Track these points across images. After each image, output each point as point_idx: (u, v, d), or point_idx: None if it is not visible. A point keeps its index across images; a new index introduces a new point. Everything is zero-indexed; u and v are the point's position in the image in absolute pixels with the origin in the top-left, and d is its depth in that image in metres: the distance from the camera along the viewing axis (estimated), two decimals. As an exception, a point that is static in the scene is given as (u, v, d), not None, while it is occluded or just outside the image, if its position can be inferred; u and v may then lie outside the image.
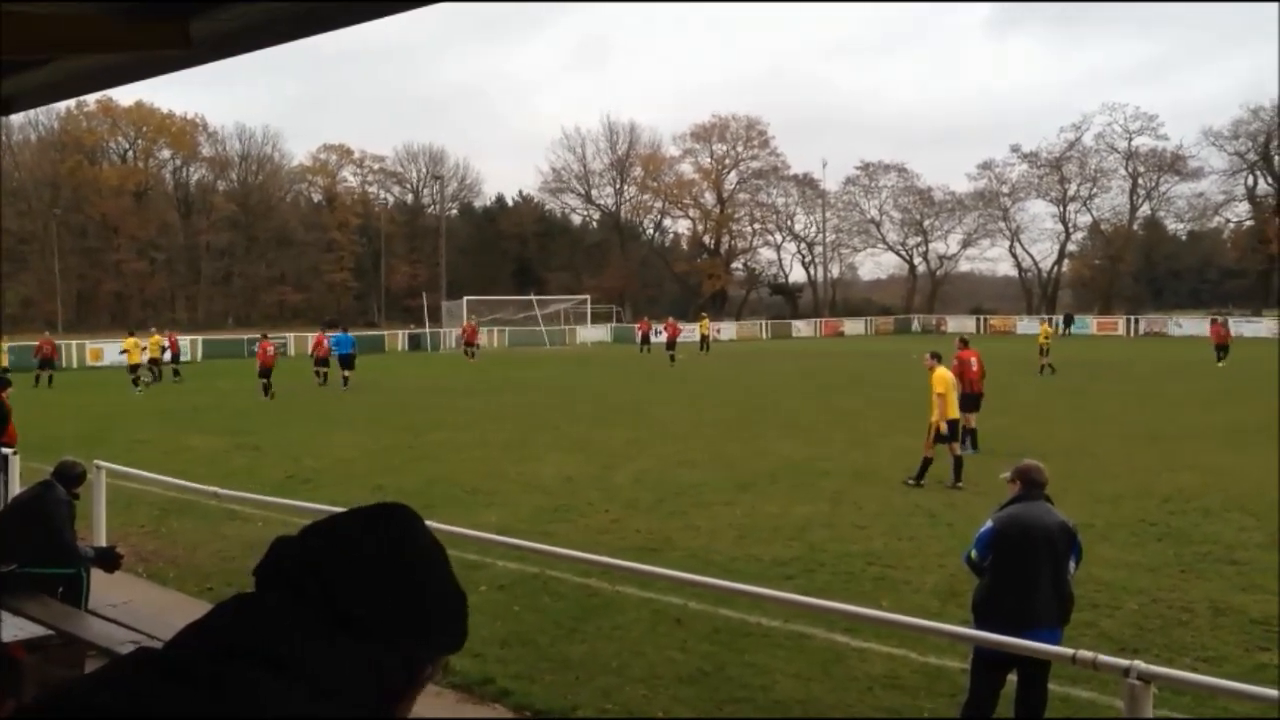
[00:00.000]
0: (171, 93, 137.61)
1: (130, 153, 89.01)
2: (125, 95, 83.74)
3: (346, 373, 33.99)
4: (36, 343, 38.36)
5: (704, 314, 64.59)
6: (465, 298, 64.11)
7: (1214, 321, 48.62)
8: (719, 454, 18.09)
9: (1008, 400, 27.15)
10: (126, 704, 1.02)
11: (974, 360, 19.14)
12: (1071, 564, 6.36)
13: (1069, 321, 73.64)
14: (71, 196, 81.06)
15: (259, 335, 36.88)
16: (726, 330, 70.51)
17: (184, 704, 1.01)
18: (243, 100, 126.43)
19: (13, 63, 6.29)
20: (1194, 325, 66.81)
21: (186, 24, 5.05)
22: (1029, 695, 6.25)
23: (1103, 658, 4.93)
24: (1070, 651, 5.10)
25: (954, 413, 15.33)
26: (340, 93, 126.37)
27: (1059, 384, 31.90)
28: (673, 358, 44.13)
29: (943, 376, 15.39)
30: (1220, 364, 38.00)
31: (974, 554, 6.51)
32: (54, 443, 15.72)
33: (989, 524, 6.52)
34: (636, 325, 58.66)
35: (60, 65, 6.38)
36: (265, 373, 30.91)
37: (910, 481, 15.07)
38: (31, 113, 70.09)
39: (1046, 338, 37.44)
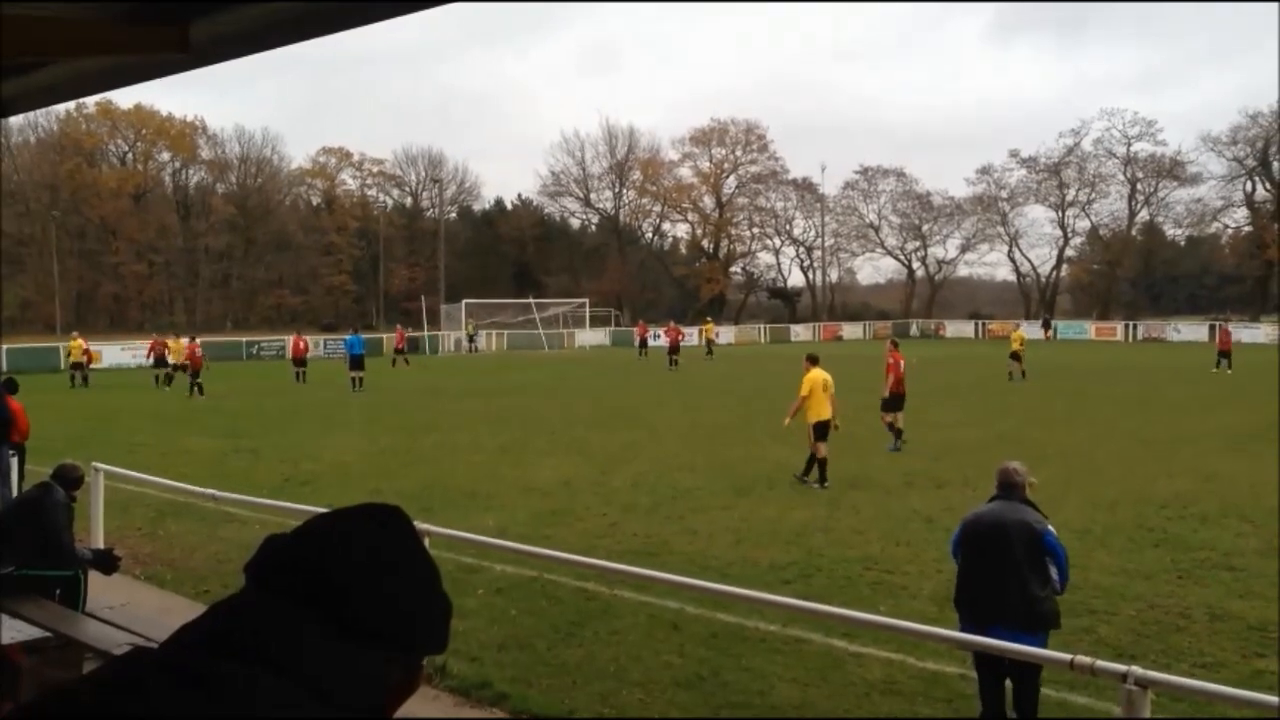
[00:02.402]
0: (171, 95, 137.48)
1: (129, 155, 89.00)
2: (125, 98, 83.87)
3: (358, 374, 34.30)
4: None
5: (708, 318, 64.74)
6: (464, 301, 64.17)
7: (1219, 326, 48.58)
8: (716, 458, 18.10)
9: (1007, 404, 27.20)
10: (122, 703, 1.02)
11: (901, 363, 19.82)
12: (1053, 571, 6.26)
13: (1046, 325, 73.93)
14: (70, 199, 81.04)
15: (189, 338, 37.79)
16: (725, 334, 70.49)
17: (181, 704, 1.01)
18: (242, 103, 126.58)
19: (12, 65, 6.29)
20: (1192, 331, 66.92)
21: (186, 27, 5.06)
22: (1019, 697, 6.29)
23: (1100, 663, 4.93)
24: (1068, 656, 5.10)
25: (826, 414, 15.67)
26: (339, 96, 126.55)
27: (1057, 388, 31.91)
28: (674, 361, 43.41)
29: (812, 379, 15.74)
30: (1221, 370, 37.79)
31: (951, 554, 6.80)
32: (50, 444, 15.72)
33: (960, 524, 6.76)
34: (635, 329, 58.66)
35: (60, 68, 6.38)
36: (195, 373, 32.73)
37: (801, 477, 15.57)
38: (31, 115, 70.31)
39: (1021, 344, 36.45)
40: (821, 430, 15.57)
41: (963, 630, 6.44)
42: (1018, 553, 6.24)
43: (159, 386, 35.64)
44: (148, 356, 39.40)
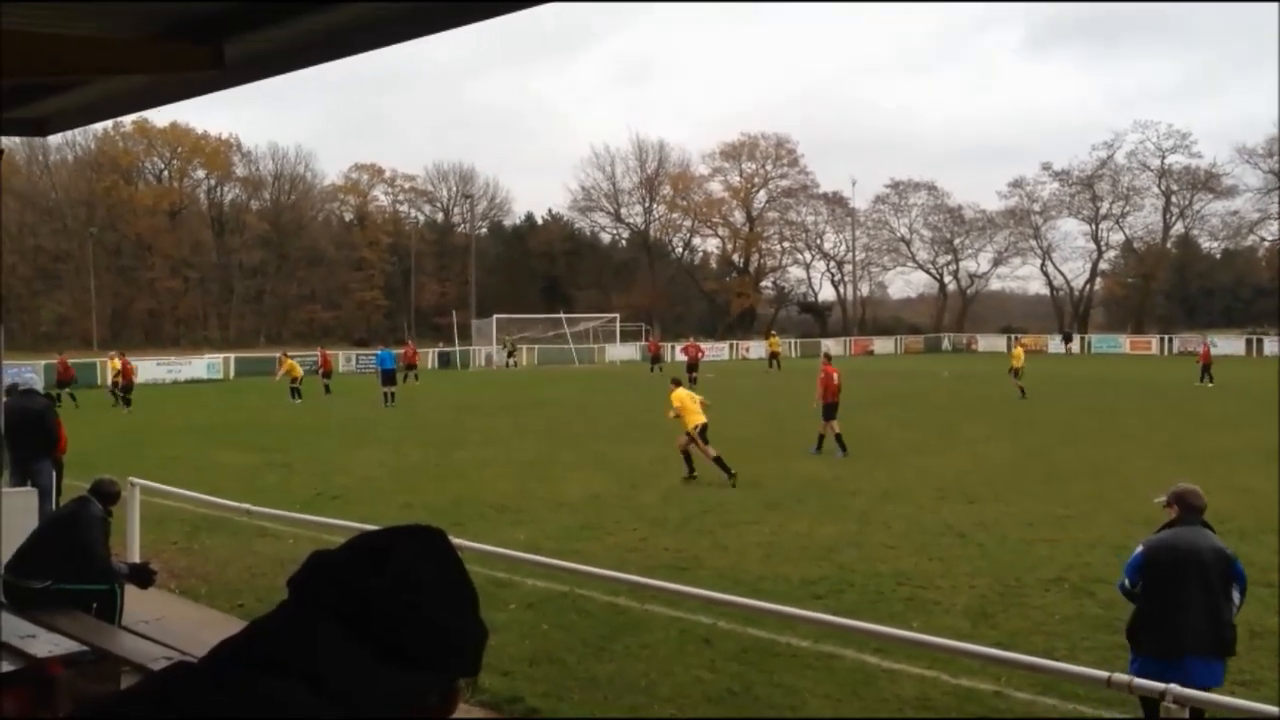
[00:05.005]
0: (206, 113, 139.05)
1: (165, 172, 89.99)
2: (160, 116, 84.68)
3: (390, 389, 34.59)
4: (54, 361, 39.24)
5: (773, 332, 65.01)
6: (494, 315, 64.35)
7: (1203, 341, 48.68)
8: (745, 473, 18.01)
9: (1037, 419, 26.99)
10: (164, 716, 1.03)
11: (834, 375, 21.14)
12: (1235, 595, 6.14)
13: (1068, 339, 73.55)
14: (107, 215, 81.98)
15: (118, 353, 38.63)
16: (755, 349, 70.35)
17: (220, 716, 1.02)
18: (276, 120, 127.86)
19: (51, 85, 6.40)
20: (1229, 344, 66.22)
21: (220, 46, 5.12)
22: None
23: (1138, 680, 4.88)
24: (1105, 674, 5.05)
25: (701, 419, 17.61)
26: (372, 113, 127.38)
27: (1088, 403, 31.65)
28: (693, 379, 40.46)
29: (678, 396, 18.07)
30: (1204, 384, 38.33)
31: (1126, 581, 6.44)
32: (84, 459, 15.88)
33: (1139, 549, 6.47)
34: (648, 345, 58.67)
35: (97, 87, 6.49)
36: (123, 388, 34.15)
37: (729, 480, 16.84)
38: (69, 133, 71.22)
39: (1020, 360, 35.44)
40: (703, 432, 17.47)
41: (1140, 665, 6.07)
42: (1213, 582, 6.06)
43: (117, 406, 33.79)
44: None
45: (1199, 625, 5.99)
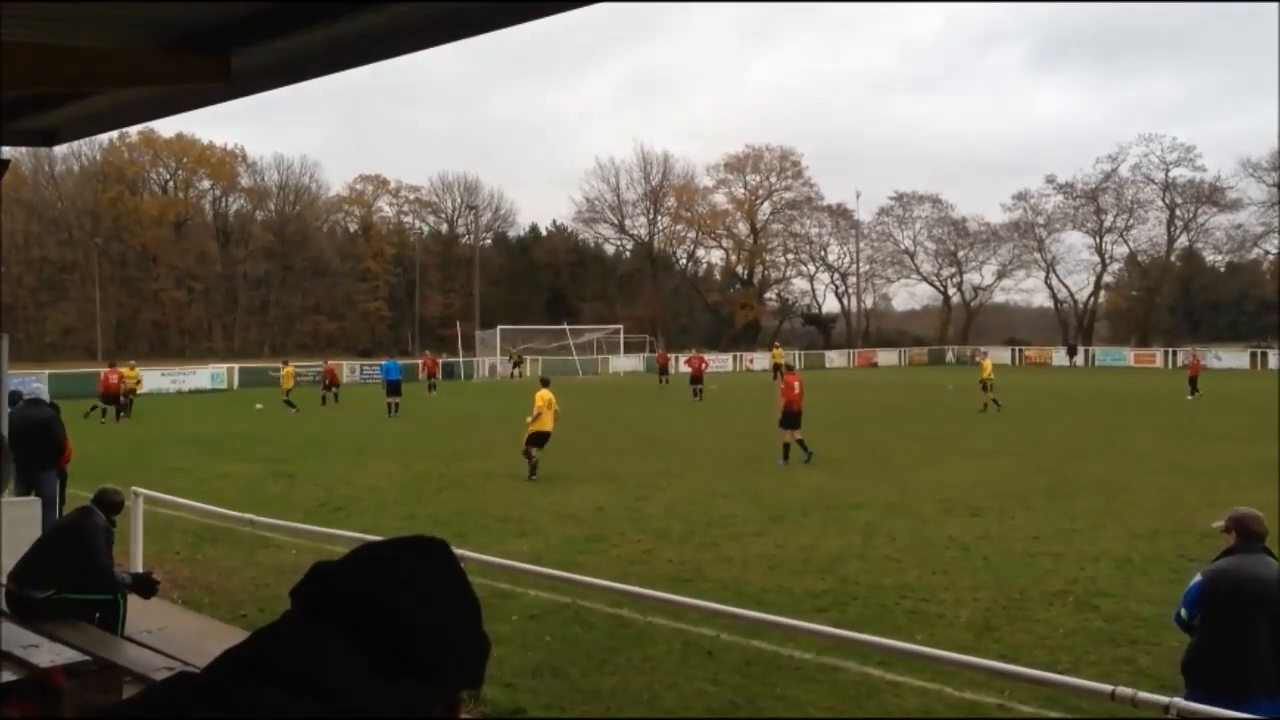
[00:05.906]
0: (212, 124, 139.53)
1: (171, 183, 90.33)
2: (166, 127, 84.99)
3: (394, 399, 34.68)
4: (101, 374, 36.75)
5: (776, 344, 64.91)
6: (499, 327, 64.41)
7: (1192, 354, 49.19)
8: (750, 485, 18.03)
9: (1043, 433, 26.95)
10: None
11: (796, 384, 21.75)
12: None
13: (1072, 352, 73.67)
14: (112, 226, 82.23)
15: (109, 364, 37.85)
16: (759, 361, 70.38)
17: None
18: (281, 131, 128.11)
19: (59, 95, 6.42)
20: (1234, 358, 66.20)
21: (228, 58, 5.15)
22: None
23: (1142, 694, 4.86)
24: (1109, 688, 5.03)
25: (548, 426, 19.33)
26: (377, 124, 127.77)
27: (1091, 416, 31.61)
28: (698, 392, 40.72)
29: (540, 396, 19.51)
30: (1190, 397, 38.59)
31: (1183, 612, 5.96)
32: (88, 468, 15.89)
33: (1197, 578, 5.98)
34: (656, 357, 58.74)
35: (105, 98, 6.51)
36: (113, 399, 32.95)
37: (529, 477, 18.76)
38: (74, 143, 71.41)
39: (988, 372, 34.73)
40: (539, 439, 19.16)
41: (1192, 698, 5.48)
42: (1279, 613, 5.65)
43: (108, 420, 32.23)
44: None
45: (1265, 663, 5.60)
